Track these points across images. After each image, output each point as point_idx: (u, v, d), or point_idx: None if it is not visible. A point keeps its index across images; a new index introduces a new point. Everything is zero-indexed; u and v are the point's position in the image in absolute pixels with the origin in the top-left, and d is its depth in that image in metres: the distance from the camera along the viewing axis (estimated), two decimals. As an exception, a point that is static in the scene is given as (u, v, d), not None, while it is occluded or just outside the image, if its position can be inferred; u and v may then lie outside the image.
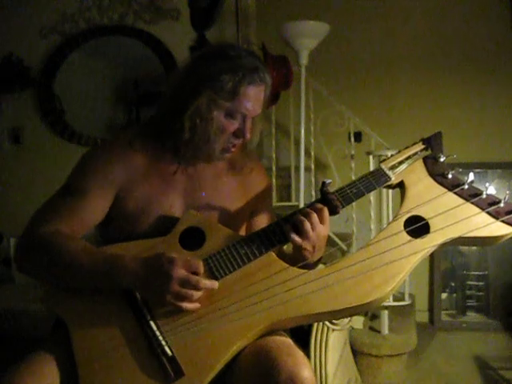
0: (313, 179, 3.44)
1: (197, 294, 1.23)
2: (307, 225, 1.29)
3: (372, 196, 2.93)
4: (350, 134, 3.28)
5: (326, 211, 1.31)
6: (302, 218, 1.29)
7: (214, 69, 1.37)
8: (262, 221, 1.54)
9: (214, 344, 1.21)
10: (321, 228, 1.31)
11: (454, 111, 3.83)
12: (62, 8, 3.72)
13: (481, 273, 3.82)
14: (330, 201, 1.33)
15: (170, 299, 1.22)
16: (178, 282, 1.20)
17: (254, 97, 1.39)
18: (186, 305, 1.23)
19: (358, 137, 3.41)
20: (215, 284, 1.26)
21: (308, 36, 3.07)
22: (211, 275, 1.29)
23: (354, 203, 3.10)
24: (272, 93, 2.95)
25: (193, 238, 1.34)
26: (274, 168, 3.39)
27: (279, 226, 1.34)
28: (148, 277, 1.23)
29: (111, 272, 1.26)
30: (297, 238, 1.29)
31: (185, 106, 1.38)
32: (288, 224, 1.31)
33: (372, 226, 2.93)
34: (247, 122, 1.41)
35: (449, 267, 3.90)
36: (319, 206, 1.32)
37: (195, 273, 1.23)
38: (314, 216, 1.30)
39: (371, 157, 2.87)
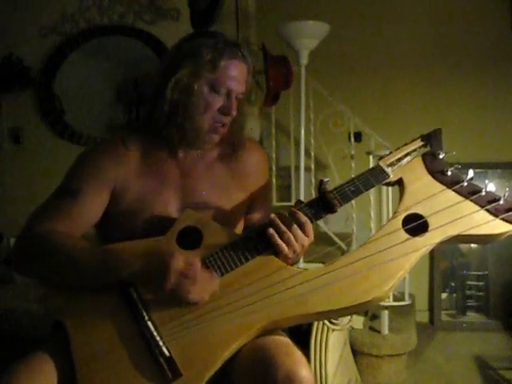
0: (313, 179, 3.44)
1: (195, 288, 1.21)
2: (290, 236, 1.28)
3: (372, 196, 2.94)
4: (350, 134, 3.28)
5: (309, 225, 1.30)
6: (285, 229, 1.28)
7: (195, 44, 1.40)
8: (259, 213, 1.54)
9: (212, 344, 1.21)
10: (304, 240, 1.30)
11: (454, 111, 3.83)
12: (62, 8, 3.72)
13: (481, 273, 3.82)
14: (327, 199, 1.33)
15: (169, 290, 1.21)
16: (177, 273, 1.19)
17: (235, 71, 1.41)
18: (187, 295, 1.22)
19: (358, 137, 3.41)
20: (215, 279, 1.25)
21: (308, 36, 3.07)
22: (209, 275, 1.29)
23: (353, 203, 3.13)
24: (272, 93, 2.98)
25: (190, 238, 1.34)
26: (274, 168, 3.38)
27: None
28: (146, 266, 1.23)
29: (109, 263, 1.26)
30: (284, 248, 1.28)
31: (167, 81, 1.39)
32: (275, 234, 1.29)
33: (372, 226, 2.93)
34: (232, 98, 1.42)
35: (449, 267, 3.90)
36: (303, 219, 1.30)
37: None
38: (296, 229, 1.29)
39: (371, 157, 2.87)
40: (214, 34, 1.44)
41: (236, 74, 1.41)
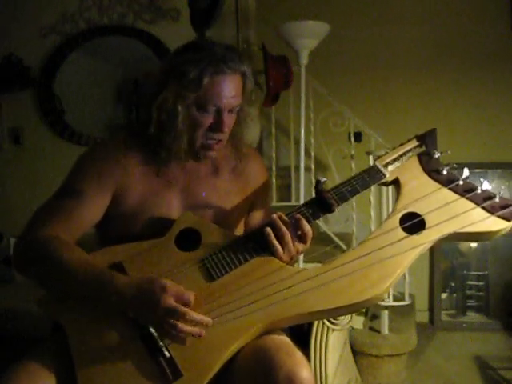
0: (313, 179, 3.43)
1: (184, 326, 1.19)
2: (289, 239, 1.30)
3: (372, 196, 2.94)
4: (350, 133, 3.28)
5: (310, 235, 1.32)
6: (285, 230, 1.30)
7: (179, 60, 1.37)
8: (259, 215, 1.55)
9: (213, 344, 1.21)
10: (300, 246, 1.33)
11: (454, 111, 3.84)
12: (62, 8, 3.71)
13: (481, 273, 3.82)
14: (325, 199, 1.34)
15: (156, 325, 1.22)
16: (165, 311, 1.18)
17: (222, 87, 1.36)
18: (180, 327, 1.20)
19: (358, 137, 3.40)
20: (209, 321, 1.22)
21: (308, 36, 3.07)
22: (208, 276, 1.29)
23: (354, 203, 3.11)
24: (272, 93, 2.97)
25: (189, 239, 1.34)
26: (274, 168, 3.39)
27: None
28: (136, 301, 1.21)
29: (102, 290, 1.24)
30: (279, 249, 1.30)
31: (153, 101, 1.38)
32: (271, 233, 1.30)
33: (372, 226, 2.93)
34: (222, 115, 1.38)
35: (449, 267, 3.90)
36: (306, 228, 1.32)
37: (186, 304, 1.20)
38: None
39: (371, 157, 2.87)
40: (203, 47, 1.38)
41: (223, 90, 1.35)
